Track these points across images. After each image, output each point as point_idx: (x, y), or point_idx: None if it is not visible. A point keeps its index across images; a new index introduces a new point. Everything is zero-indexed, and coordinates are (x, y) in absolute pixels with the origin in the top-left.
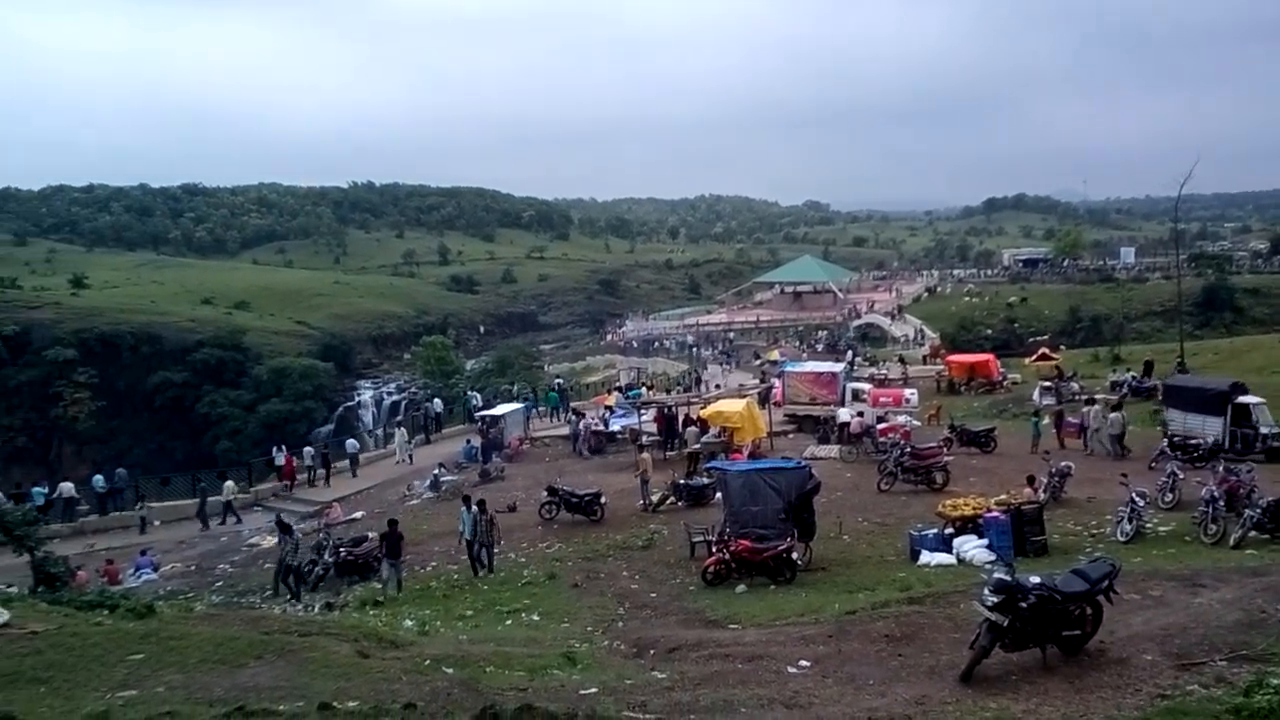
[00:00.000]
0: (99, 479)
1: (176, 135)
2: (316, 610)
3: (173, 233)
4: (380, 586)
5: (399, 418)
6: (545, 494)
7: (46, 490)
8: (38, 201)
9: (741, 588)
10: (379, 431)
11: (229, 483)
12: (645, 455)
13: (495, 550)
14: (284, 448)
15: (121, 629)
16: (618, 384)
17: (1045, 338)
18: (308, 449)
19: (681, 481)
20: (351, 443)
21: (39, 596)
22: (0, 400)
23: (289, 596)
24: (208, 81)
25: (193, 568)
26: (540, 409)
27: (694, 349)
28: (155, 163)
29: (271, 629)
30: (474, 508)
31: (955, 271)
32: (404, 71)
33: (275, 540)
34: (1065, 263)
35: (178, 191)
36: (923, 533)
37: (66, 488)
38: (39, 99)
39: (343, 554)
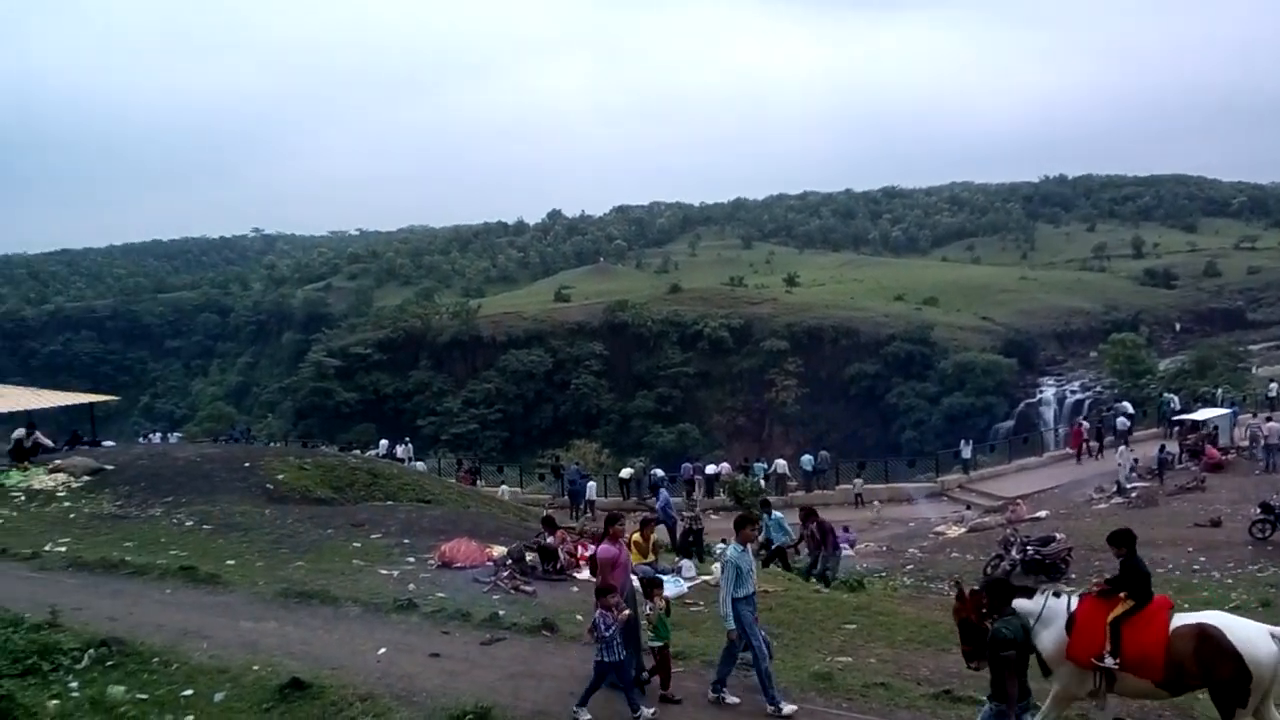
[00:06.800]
0: (808, 458)
1: (875, 140)
2: None
3: (871, 233)
4: None
5: (1082, 416)
6: (1258, 510)
7: (766, 466)
8: (761, 209)
9: None
10: (1060, 430)
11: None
12: None
13: None
14: (970, 441)
15: (837, 598)
16: None
17: None
18: (1084, 421)
19: None
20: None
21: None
22: (726, 384)
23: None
24: (900, 87)
25: (884, 548)
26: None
27: None
28: (858, 167)
29: None
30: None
31: None
32: (1093, 55)
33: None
34: None
35: (878, 194)
36: None
37: (780, 464)
38: (760, 116)
39: (1030, 551)
